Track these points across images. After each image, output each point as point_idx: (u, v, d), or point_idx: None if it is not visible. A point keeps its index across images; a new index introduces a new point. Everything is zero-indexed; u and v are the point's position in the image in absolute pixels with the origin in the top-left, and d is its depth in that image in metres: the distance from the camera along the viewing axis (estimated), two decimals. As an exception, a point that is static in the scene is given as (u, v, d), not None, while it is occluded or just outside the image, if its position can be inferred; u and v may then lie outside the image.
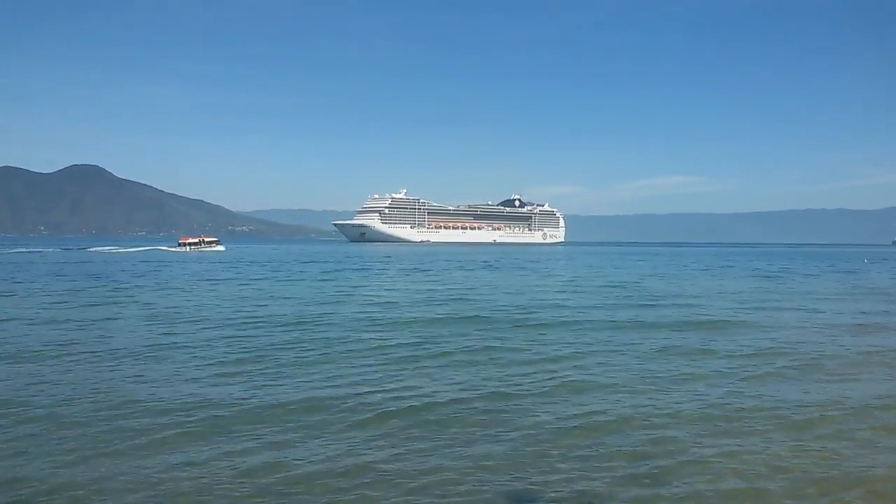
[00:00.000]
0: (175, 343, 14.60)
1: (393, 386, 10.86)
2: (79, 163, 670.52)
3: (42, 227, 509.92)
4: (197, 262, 56.94)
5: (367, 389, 10.50)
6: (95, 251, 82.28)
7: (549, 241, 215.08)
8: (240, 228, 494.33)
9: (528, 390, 10.66)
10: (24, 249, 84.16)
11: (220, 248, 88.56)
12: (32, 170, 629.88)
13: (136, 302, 22.99)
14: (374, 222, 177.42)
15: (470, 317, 19.84)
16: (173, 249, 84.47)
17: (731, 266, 59.02)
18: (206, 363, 12.47)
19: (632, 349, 14.46)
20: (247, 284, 32.24)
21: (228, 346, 14.32)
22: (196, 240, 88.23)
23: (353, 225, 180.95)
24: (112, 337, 15.28)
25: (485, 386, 10.95)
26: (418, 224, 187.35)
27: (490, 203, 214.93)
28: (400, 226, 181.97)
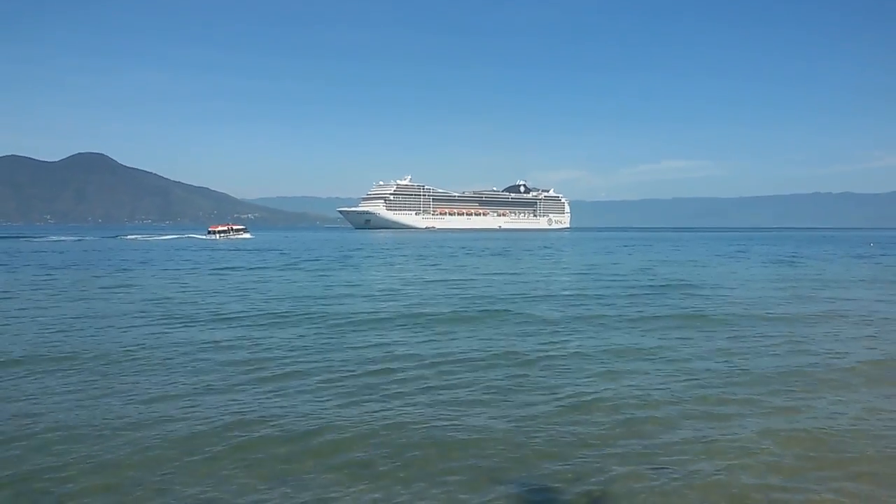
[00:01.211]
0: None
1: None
2: (83, 151, 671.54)
3: (48, 216, 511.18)
4: (244, 249, 57.43)
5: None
6: (132, 238, 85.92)
7: (554, 226, 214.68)
8: (245, 216, 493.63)
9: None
10: (71, 238, 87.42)
11: (248, 235, 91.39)
12: (37, 158, 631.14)
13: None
14: (379, 209, 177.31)
15: (498, 310, 19.81)
16: (202, 237, 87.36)
17: (743, 251, 58.66)
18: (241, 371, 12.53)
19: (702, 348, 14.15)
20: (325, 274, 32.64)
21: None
22: (225, 228, 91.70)
23: (358, 212, 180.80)
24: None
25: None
26: (423, 211, 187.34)
27: (495, 189, 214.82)
28: (405, 212, 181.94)
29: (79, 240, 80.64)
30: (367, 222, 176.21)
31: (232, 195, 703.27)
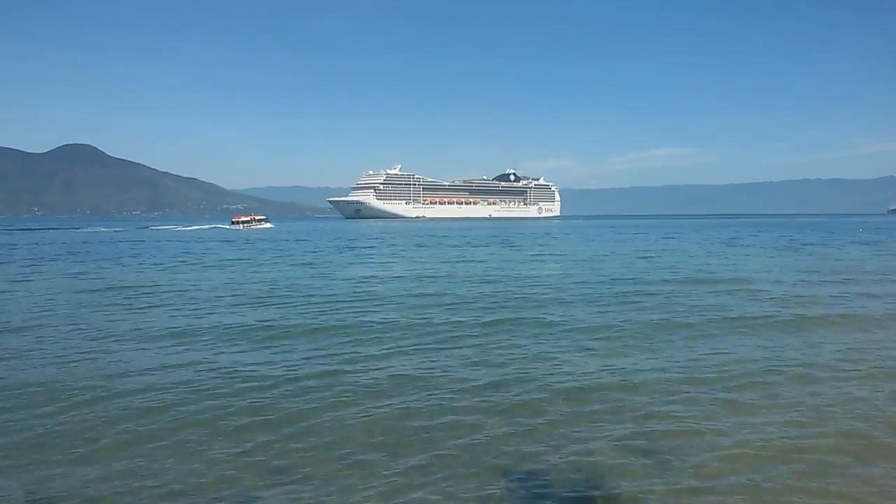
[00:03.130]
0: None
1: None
2: (71, 142, 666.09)
3: (36, 208, 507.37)
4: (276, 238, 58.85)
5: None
6: (159, 229, 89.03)
7: (544, 215, 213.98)
8: (234, 206, 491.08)
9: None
10: (104, 229, 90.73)
11: (269, 225, 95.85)
12: (25, 150, 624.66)
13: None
14: (370, 199, 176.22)
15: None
16: (228, 227, 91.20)
17: (739, 238, 57.81)
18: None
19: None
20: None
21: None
22: (248, 218, 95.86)
23: (348, 202, 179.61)
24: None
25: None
26: (413, 200, 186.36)
27: (485, 178, 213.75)
28: (395, 202, 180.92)
29: (112, 230, 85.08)
30: (358, 212, 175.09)
31: (221, 185, 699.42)
